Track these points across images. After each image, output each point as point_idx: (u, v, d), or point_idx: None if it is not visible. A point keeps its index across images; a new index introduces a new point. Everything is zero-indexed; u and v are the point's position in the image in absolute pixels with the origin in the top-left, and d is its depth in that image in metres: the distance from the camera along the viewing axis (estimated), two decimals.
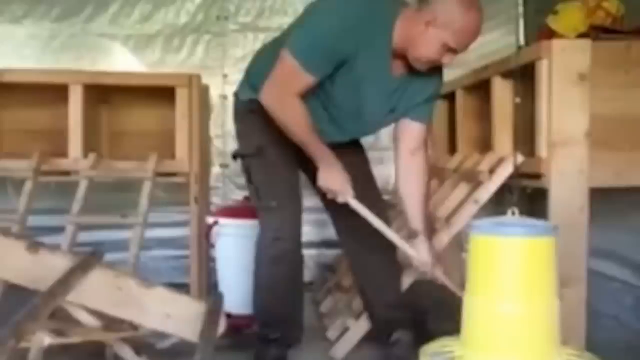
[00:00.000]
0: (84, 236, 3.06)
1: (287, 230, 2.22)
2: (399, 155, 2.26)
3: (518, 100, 2.40)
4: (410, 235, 2.25)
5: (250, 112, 2.20)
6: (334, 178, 2.08)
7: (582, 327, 2.22)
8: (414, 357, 2.23)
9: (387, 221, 2.29)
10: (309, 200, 2.42)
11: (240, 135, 2.33)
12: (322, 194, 2.21)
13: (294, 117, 2.03)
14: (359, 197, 2.13)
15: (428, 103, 2.23)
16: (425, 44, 1.99)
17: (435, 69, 2.15)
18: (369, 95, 2.10)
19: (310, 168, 2.18)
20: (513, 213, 1.70)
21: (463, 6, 1.93)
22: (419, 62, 2.05)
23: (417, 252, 2.21)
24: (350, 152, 2.31)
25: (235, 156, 2.33)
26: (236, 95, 2.35)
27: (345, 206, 2.14)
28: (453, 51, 2.01)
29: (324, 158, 2.08)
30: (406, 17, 2.02)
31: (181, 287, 2.75)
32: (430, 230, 2.36)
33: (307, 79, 1.99)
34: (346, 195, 2.10)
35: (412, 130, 2.23)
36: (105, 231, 3.43)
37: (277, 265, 2.21)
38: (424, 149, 2.28)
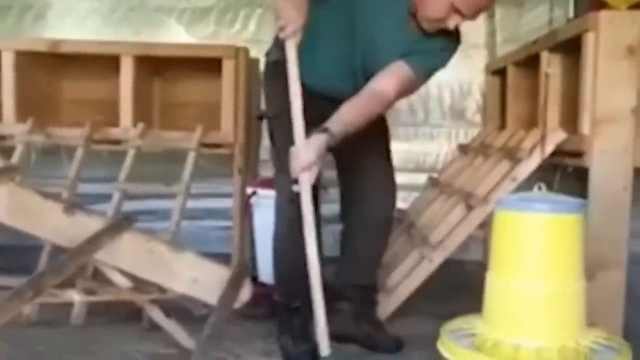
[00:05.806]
0: (134, 205, 3.17)
1: None
2: (375, 79, 2.04)
3: (551, 71, 2.29)
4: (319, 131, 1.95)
5: (276, 74, 2.13)
6: (291, 7, 1.90)
7: (620, 312, 2.14)
8: (353, 328, 2.24)
9: (387, 185, 2.28)
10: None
11: (266, 96, 2.31)
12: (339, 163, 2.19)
13: None
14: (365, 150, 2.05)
15: (428, 56, 2.08)
16: (433, 2, 1.95)
17: (453, 41, 2.10)
18: (383, 31, 2.05)
19: None
20: (540, 188, 1.63)
21: None
22: (427, 21, 2.01)
23: (306, 144, 1.91)
24: None
25: (260, 117, 2.29)
26: (267, 56, 2.31)
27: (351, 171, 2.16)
28: (460, 14, 1.95)
29: None
30: None
31: (225, 257, 2.81)
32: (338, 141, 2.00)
33: None
34: (293, 33, 1.91)
35: (400, 69, 2.04)
36: (153, 200, 3.52)
37: (292, 228, 2.07)
38: (395, 93, 2.06)
